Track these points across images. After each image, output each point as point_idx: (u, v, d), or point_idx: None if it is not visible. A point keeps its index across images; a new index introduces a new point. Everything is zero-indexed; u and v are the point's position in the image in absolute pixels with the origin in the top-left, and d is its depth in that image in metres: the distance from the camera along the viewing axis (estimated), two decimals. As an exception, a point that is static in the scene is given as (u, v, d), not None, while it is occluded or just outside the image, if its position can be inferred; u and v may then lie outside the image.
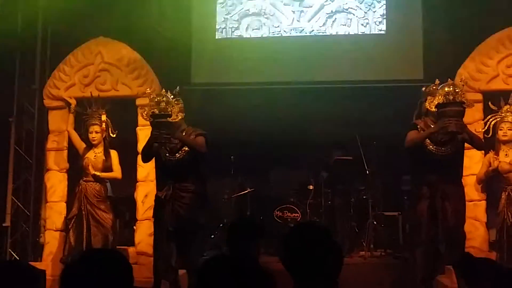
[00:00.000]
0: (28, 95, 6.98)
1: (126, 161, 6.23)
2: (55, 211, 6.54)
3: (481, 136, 5.55)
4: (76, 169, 6.29)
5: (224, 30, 7.34)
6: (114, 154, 6.09)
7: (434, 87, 5.16)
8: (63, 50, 6.84)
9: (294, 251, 2.25)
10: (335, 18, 7.21)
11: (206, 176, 5.52)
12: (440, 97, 5.01)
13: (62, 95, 6.60)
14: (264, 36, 7.29)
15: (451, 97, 4.97)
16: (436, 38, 7.01)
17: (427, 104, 5.13)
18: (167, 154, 5.18)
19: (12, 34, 6.97)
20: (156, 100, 5.10)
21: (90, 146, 6.07)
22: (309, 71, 7.12)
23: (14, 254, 6.70)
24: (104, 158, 6.03)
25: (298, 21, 7.26)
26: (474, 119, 5.94)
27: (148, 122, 6.09)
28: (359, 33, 7.19)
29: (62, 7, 6.62)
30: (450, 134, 4.96)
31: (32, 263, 4.95)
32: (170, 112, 5.07)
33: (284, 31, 7.27)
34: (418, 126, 5.17)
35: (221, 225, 6.81)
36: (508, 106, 5.58)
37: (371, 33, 7.17)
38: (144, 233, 6.28)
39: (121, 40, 6.76)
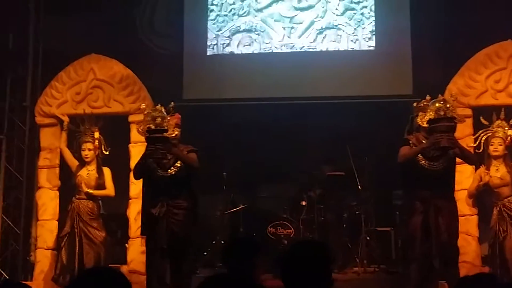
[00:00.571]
0: (19, 112, 6.96)
1: (118, 178, 6.21)
2: (47, 229, 6.49)
3: (471, 151, 5.59)
4: (67, 186, 6.25)
5: (215, 46, 7.38)
6: (107, 171, 6.06)
7: (425, 103, 5.21)
8: (55, 67, 6.83)
9: (296, 268, 2.26)
10: (325, 35, 7.29)
11: (197, 193, 5.51)
12: (431, 113, 5.05)
13: (54, 112, 6.58)
14: (255, 52, 7.35)
15: (442, 113, 5.01)
16: (425, 54, 7.12)
17: (418, 119, 5.17)
18: (159, 170, 5.16)
19: (3, 50, 6.96)
20: (152, 115, 5.09)
21: (83, 163, 6.04)
22: (300, 87, 7.17)
23: (4, 273, 6.62)
24: (97, 175, 6.00)
25: (288, 37, 7.33)
26: (464, 134, 5.98)
27: (140, 139, 6.11)
28: (349, 49, 7.27)
29: (53, 24, 6.63)
30: (442, 149, 4.99)
31: (23, 282, 4.89)
32: (166, 127, 5.06)
33: (275, 47, 7.34)
34: (410, 142, 5.20)
35: (213, 242, 6.78)
36: (499, 121, 5.63)
37: (361, 49, 7.25)
38: (136, 251, 6.23)
39: (112, 57, 6.77)
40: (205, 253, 6.68)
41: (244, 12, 7.39)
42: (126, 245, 6.43)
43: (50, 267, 6.26)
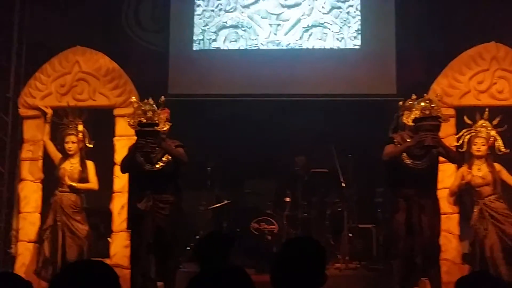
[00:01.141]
0: (2, 103, 6.87)
1: (101, 172, 6.17)
2: (29, 222, 6.41)
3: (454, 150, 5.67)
4: (50, 179, 6.19)
5: (201, 41, 7.37)
6: (90, 164, 6.02)
7: (410, 102, 5.27)
8: (39, 58, 6.76)
9: (291, 265, 2.28)
10: (311, 33, 7.33)
11: (183, 188, 5.51)
12: (416, 112, 5.12)
13: (38, 104, 6.50)
14: (241, 48, 7.36)
15: (427, 112, 5.07)
16: (409, 54, 7.21)
17: (404, 118, 5.23)
18: (148, 165, 5.15)
19: (-14, 41, 6.88)
20: (143, 108, 5.07)
21: (66, 156, 5.98)
22: (285, 84, 7.20)
23: (-17, 266, 6.55)
24: (80, 168, 5.95)
25: (275, 34, 7.35)
26: (447, 134, 6.05)
27: (125, 133, 6.10)
28: (335, 47, 7.32)
29: (38, 15, 6.55)
30: (426, 148, 5.06)
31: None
32: (157, 121, 5.05)
33: (261, 44, 7.36)
34: (395, 140, 5.26)
35: (197, 237, 6.78)
36: (482, 121, 5.72)
37: (346, 47, 7.30)
38: (119, 245, 6.21)
39: (98, 50, 6.72)
40: (188, 248, 6.66)
41: (231, 8, 7.40)
42: (109, 239, 6.40)
43: (31, 260, 6.19)
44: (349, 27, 7.31)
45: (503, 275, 5.23)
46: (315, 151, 7.12)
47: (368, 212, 7.08)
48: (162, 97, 5.30)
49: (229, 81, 7.21)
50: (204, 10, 7.39)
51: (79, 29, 6.91)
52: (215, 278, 2.02)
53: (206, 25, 7.38)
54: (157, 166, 5.16)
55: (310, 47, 7.33)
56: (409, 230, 5.12)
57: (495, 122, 5.71)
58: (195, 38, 7.35)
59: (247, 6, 7.38)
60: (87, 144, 6.05)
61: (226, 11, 7.39)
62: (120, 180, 6.24)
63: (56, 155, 6.04)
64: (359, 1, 7.28)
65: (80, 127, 6.02)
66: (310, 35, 7.33)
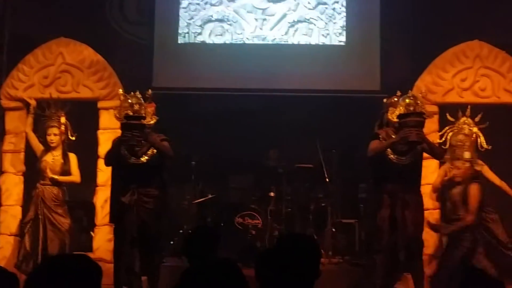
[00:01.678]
0: (-17, 95, 6.75)
1: (84, 164, 6.12)
2: (10, 215, 6.34)
3: (438, 146, 5.72)
4: (32, 172, 6.12)
5: (186, 35, 7.33)
6: (73, 157, 5.97)
7: (395, 99, 5.31)
8: (22, 49, 6.66)
9: (286, 260, 2.28)
10: (297, 28, 7.33)
11: (167, 182, 5.48)
12: (401, 108, 5.15)
13: (20, 95, 6.42)
14: (226, 42, 7.33)
15: (412, 108, 5.11)
16: (393, 51, 7.26)
17: (389, 114, 5.26)
18: (133, 158, 5.11)
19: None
20: (129, 101, 5.02)
21: (48, 148, 5.93)
22: (270, 79, 7.19)
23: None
24: (62, 161, 5.90)
25: (260, 29, 7.34)
26: (430, 130, 6.08)
27: (109, 125, 6.07)
28: (320, 43, 7.33)
29: (21, 6, 6.46)
30: (410, 143, 5.10)
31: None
32: (143, 114, 5.01)
33: (247, 38, 7.34)
34: (380, 136, 5.30)
35: (180, 231, 6.76)
36: (465, 118, 5.78)
37: (331, 43, 7.32)
38: (102, 238, 6.17)
39: (82, 41, 6.64)
40: (171, 242, 6.64)
41: (217, 2, 7.36)
42: (92, 232, 6.35)
43: (12, 254, 6.13)
44: (335, 23, 7.33)
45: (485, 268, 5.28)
46: (300, 146, 7.14)
47: (351, 207, 7.12)
48: (149, 90, 5.25)
49: (214, 75, 7.18)
50: (189, 3, 7.35)
51: (63, 20, 6.83)
52: (208, 271, 2.02)
53: (192, 18, 7.33)
54: (142, 159, 5.12)
55: (296, 42, 7.34)
56: (393, 226, 5.15)
57: (477, 119, 5.78)
58: (180, 31, 7.30)
59: (233, 0, 7.36)
60: (70, 137, 6.00)
61: (212, 5, 7.36)
62: (104, 174, 6.18)
63: (38, 147, 5.98)
64: (344, -3, 7.30)
65: (63, 119, 5.97)
66: (295, 31, 7.33)
